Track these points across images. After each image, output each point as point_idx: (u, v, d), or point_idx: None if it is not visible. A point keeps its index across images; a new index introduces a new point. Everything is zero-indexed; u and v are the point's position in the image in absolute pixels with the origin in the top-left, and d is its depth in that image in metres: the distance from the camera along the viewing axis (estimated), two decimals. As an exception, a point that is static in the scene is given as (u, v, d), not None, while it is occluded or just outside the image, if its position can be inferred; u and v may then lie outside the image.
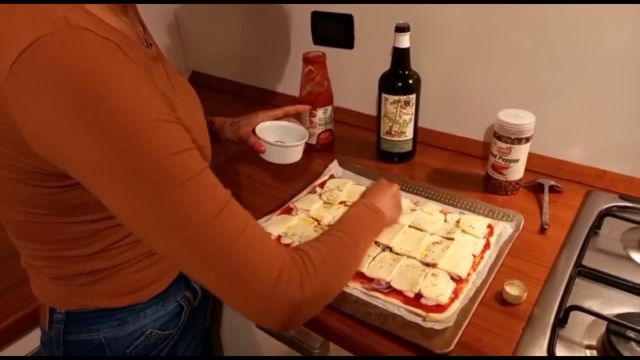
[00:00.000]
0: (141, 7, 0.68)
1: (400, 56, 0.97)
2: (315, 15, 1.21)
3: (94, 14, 0.52)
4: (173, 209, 0.47)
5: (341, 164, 1.05)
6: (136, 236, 0.57)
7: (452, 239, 0.79)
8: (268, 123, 0.89)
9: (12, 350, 0.77)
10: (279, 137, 0.89)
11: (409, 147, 1.06)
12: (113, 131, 0.46)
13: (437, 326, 0.65)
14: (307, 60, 1.07)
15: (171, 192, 0.47)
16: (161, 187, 0.47)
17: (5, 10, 0.49)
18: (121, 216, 0.50)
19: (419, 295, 0.69)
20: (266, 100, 1.45)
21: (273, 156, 0.85)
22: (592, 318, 0.65)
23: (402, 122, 1.02)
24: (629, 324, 0.60)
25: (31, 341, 0.78)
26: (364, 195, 0.84)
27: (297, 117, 1.04)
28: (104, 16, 0.53)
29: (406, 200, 0.91)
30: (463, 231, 0.81)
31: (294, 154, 0.87)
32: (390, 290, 0.71)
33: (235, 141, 0.90)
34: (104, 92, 0.45)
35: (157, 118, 0.48)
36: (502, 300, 0.70)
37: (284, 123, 0.92)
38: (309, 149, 1.13)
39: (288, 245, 0.81)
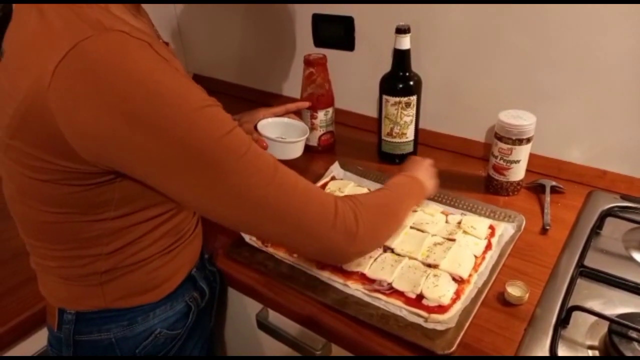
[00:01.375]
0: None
1: (401, 58, 0.98)
2: (316, 18, 1.22)
3: (119, 15, 0.53)
4: (238, 181, 0.54)
5: (342, 166, 1.05)
6: (205, 215, 0.61)
7: (453, 240, 0.79)
8: (269, 119, 0.91)
9: (17, 350, 0.77)
10: (280, 134, 0.90)
11: (410, 149, 1.07)
12: (169, 124, 0.49)
13: (439, 327, 0.65)
14: (308, 62, 1.07)
15: (233, 167, 0.53)
16: (223, 165, 0.52)
17: (34, 12, 0.50)
18: (189, 200, 0.56)
19: (420, 296, 0.70)
20: (268, 102, 1.45)
21: (275, 152, 0.86)
22: (594, 318, 0.65)
23: (403, 123, 1.02)
24: (631, 324, 0.60)
25: (37, 342, 0.78)
26: (402, 169, 0.86)
27: (299, 117, 1.04)
28: (125, 16, 0.55)
29: (407, 201, 0.91)
30: (464, 232, 0.81)
31: (295, 150, 0.88)
32: (392, 291, 0.71)
33: None
34: (152, 88, 0.48)
35: (203, 105, 0.52)
36: (504, 300, 0.70)
37: (285, 120, 0.93)
38: (310, 150, 1.14)
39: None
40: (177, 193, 0.55)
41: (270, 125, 0.90)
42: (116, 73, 0.47)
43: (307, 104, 1.05)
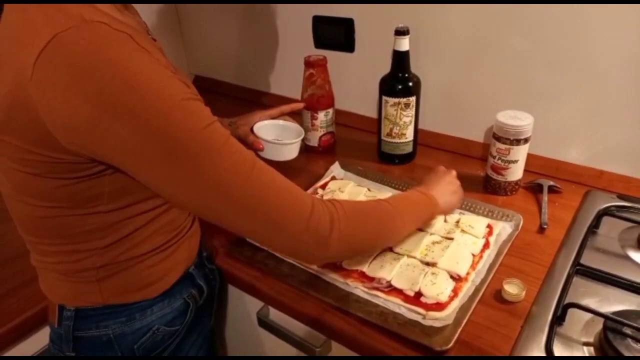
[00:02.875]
0: (144, 12, 0.70)
1: (400, 59, 0.99)
2: (316, 20, 1.23)
3: (105, 11, 0.54)
4: (213, 175, 0.54)
5: (342, 166, 1.06)
6: (182, 206, 0.62)
7: (451, 239, 0.80)
8: (265, 122, 0.92)
9: (20, 349, 0.78)
10: (276, 135, 0.92)
11: (409, 149, 1.08)
12: (149, 115, 0.50)
13: (437, 324, 0.66)
14: (308, 63, 1.08)
15: (210, 161, 0.53)
16: (200, 158, 0.53)
17: (18, 11, 0.51)
18: (166, 191, 0.56)
19: (419, 294, 0.71)
20: (268, 103, 1.46)
21: (271, 154, 0.88)
22: (589, 315, 0.66)
23: (402, 124, 1.03)
24: (626, 321, 0.61)
25: (39, 340, 0.79)
26: (420, 184, 0.83)
27: (299, 118, 1.05)
28: (111, 12, 0.56)
29: (407, 201, 0.92)
30: (463, 231, 0.82)
31: (291, 151, 0.90)
32: (391, 289, 0.72)
33: None
34: (132, 79, 0.49)
35: (183, 97, 0.52)
36: (501, 298, 0.71)
37: (280, 122, 0.94)
38: (311, 151, 1.15)
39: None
40: (155, 183, 0.55)
41: (267, 127, 0.92)
42: (94, 63, 0.47)
43: (301, 105, 1.05)
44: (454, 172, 0.86)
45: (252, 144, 0.87)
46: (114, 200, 0.59)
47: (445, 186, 0.83)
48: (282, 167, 0.89)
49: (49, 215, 0.60)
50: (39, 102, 0.49)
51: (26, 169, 0.56)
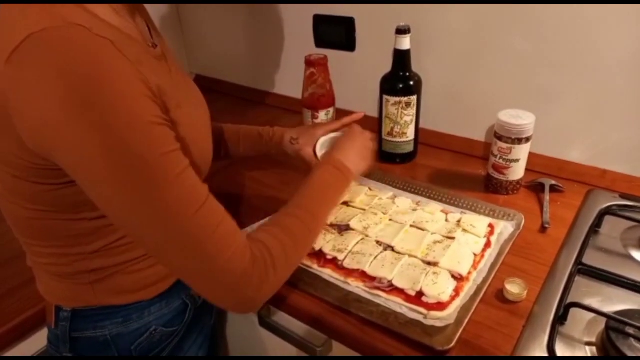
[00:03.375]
0: (145, 12, 0.70)
1: (401, 58, 0.99)
2: (317, 19, 1.22)
3: (96, 13, 0.53)
4: (158, 205, 0.51)
5: (343, 165, 1.06)
6: (120, 227, 0.60)
7: (453, 238, 0.80)
8: (328, 137, 0.89)
9: (17, 351, 0.78)
10: None
11: (410, 148, 1.07)
12: (107, 131, 0.47)
13: (438, 324, 0.66)
14: (309, 62, 1.08)
15: (157, 190, 0.50)
16: (148, 185, 0.50)
17: (10, 9, 0.50)
18: (107, 209, 0.53)
19: (420, 294, 0.70)
20: (269, 102, 1.46)
21: None
22: (591, 315, 0.66)
23: (403, 123, 1.03)
24: (628, 321, 0.61)
25: (37, 341, 0.79)
26: (334, 148, 0.79)
27: (300, 118, 1.05)
28: (105, 14, 0.54)
29: (408, 200, 0.92)
30: (464, 230, 0.82)
31: None
32: (392, 288, 0.72)
33: (294, 158, 0.91)
34: (99, 91, 0.47)
35: (149, 120, 0.50)
36: (503, 298, 0.71)
37: (339, 135, 0.90)
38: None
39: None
40: (99, 200, 0.52)
41: (328, 143, 0.88)
42: (66, 67, 0.45)
43: (361, 114, 0.95)
44: (368, 134, 0.83)
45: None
46: (97, 208, 0.57)
47: (358, 151, 0.79)
48: (282, 165, 0.88)
49: (37, 217, 0.59)
50: (9, 101, 0.48)
51: (12, 171, 0.55)
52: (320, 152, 0.87)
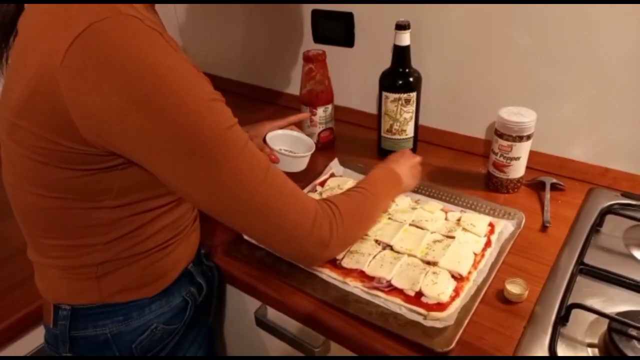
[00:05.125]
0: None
1: (401, 54, 0.97)
2: (315, 14, 1.21)
3: (138, 9, 0.54)
4: (231, 175, 0.55)
5: (342, 163, 1.05)
6: (194, 203, 0.65)
7: (453, 237, 0.79)
8: (277, 132, 0.96)
9: (13, 349, 0.77)
10: (287, 146, 0.97)
11: (409, 146, 1.06)
12: (177, 111, 0.50)
13: (438, 325, 0.65)
14: (307, 58, 1.06)
15: (230, 161, 0.55)
16: (220, 158, 0.54)
17: (59, 6, 0.51)
18: (181, 188, 0.57)
19: (419, 294, 0.69)
20: (267, 99, 1.45)
21: (284, 165, 0.92)
22: (593, 316, 0.65)
23: (402, 120, 1.02)
24: (631, 322, 0.60)
25: (32, 340, 0.78)
26: (385, 160, 0.89)
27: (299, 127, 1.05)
28: (144, 11, 0.56)
29: (407, 198, 0.91)
30: (464, 229, 0.81)
31: (303, 163, 0.94)
32: (391, 289, 0.71)
33: None
34: (163, 75, 0.50)
35: (210, 98, 0.54)
36: (503, 298, 0.70)
37: (293, 132, 0.99)
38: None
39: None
40: (172, 180, 0.56)
41: (278, 138, 0.96)
42: (128, 56, 0.48)
43: (307, 115, 1.09)
44: (419, 158, 0.92)
45: (268, 156, 0.89)
46: (121, 196, 0.59)
47: (409, 168, 0.88)
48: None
49: (53, 206, 0.59)
50: (66, 88, 0.49)
51: (37, 157, 0.55)
52: (271, 144, 0.92)
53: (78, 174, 0.56)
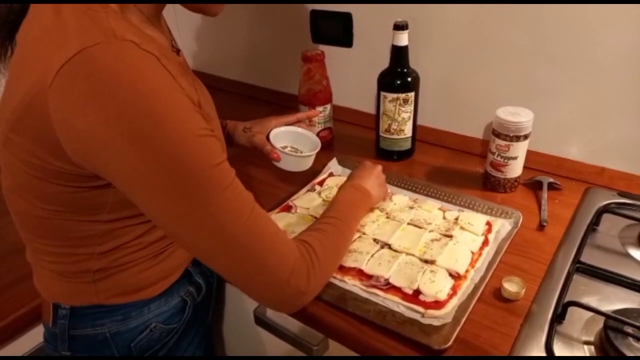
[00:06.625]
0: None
1: (399, 54, 0.98)
2: (314, 14, 1.21)
3: (135, 24, 0.53)
4: (213, 214, 0.53)
5: (340, 162, 1.05)
6: (172, 238, 0.62)
7: (450, 236, 0.80)
8: (282, 128, 0.91)
9: (12, 347, 0.77)
10: (292, 143, 0.92)
11: (408, 145, 1.07)
12: (162, 145, 0.49)
13: (436, 322, 0.65)
14: (306, 58, 1.07)
15: (212, 200, 0.52)
16: (204, 195, 0.52)
17: (51, 9, 0.50)
18: (161, 221, 0.55)
19: (417, 292, 0.70)
20: (265, 98, 1.45)
21: (287, 164, 0.87)
22: (589, 314, 0.66)
23: (401, 120, 1.02)
24: (627, 320, 0.60)
25: (32, 339, 0.78)
26: (350, 177, 0.85)
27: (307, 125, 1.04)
28: (143, 26, 0.55)
29: (405, 197, 0.91)
30: (462, 228, 0.81)
31: (307, 163, 0.89)
32: (389, 287, 0.71)
33: (247, 147, 0.91)
34: (154, 106, 0.48)
35: (199, 134, 0.52)
36: (501, 296, 0.70)
37: (298, 129, 0.94)
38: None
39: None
40: (153, 213, 0.54)
41: (283, 134, 0.91)
42: (120, 83, 0.46)
43: (317, 112, 1.06)
44: (380, 167, 0.88)
45: (268, 154, 0.86)
46: (116, 210, 0.59)
47: (374, 179, 0.85)
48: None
49: (47, 216, 0.59)
50: (54, 111, 0.48)
51: (31, 171, 0.55)
52: (274, 141, 0.87)
53: (72, 190, 0.55)
